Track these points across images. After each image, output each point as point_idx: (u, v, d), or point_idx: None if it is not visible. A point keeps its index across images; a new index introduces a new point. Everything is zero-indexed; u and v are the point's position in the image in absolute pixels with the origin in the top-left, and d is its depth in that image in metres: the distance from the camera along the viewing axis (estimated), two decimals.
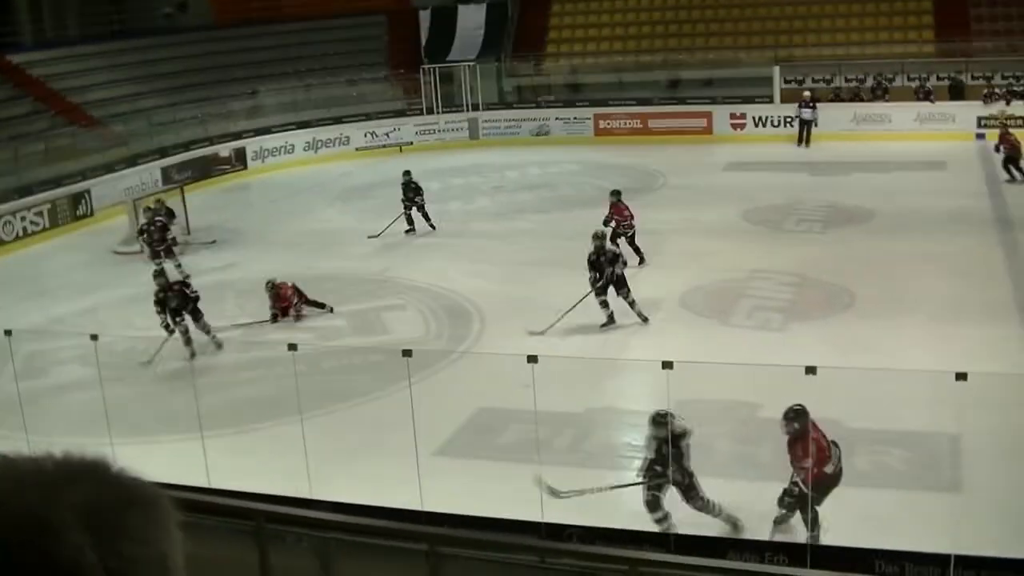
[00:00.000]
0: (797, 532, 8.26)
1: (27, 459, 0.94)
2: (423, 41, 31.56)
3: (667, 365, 7.25)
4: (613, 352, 12.73)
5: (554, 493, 8.32)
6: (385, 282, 16.49)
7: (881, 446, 9.89)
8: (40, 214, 21.12)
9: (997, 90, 25.37)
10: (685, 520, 8.30)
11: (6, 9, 29.10)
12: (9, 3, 29.38)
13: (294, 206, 22.47)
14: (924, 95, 26.01)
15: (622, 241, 15.70)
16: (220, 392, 12.09)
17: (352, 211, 21.90)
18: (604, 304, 13.42)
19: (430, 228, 19.18)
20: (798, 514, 8.23)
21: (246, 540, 5.56)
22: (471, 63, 29.83)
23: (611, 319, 13.48)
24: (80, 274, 18.07)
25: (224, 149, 26.40)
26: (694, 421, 8.47)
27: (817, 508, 8.08)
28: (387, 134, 28.58)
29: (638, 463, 8.63)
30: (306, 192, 23.91)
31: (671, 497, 8.36)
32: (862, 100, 26.78)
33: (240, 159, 26.60)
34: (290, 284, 14.76)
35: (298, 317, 14.65)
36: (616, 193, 16.51)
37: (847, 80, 27.40)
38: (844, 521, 8.15)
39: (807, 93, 26.16)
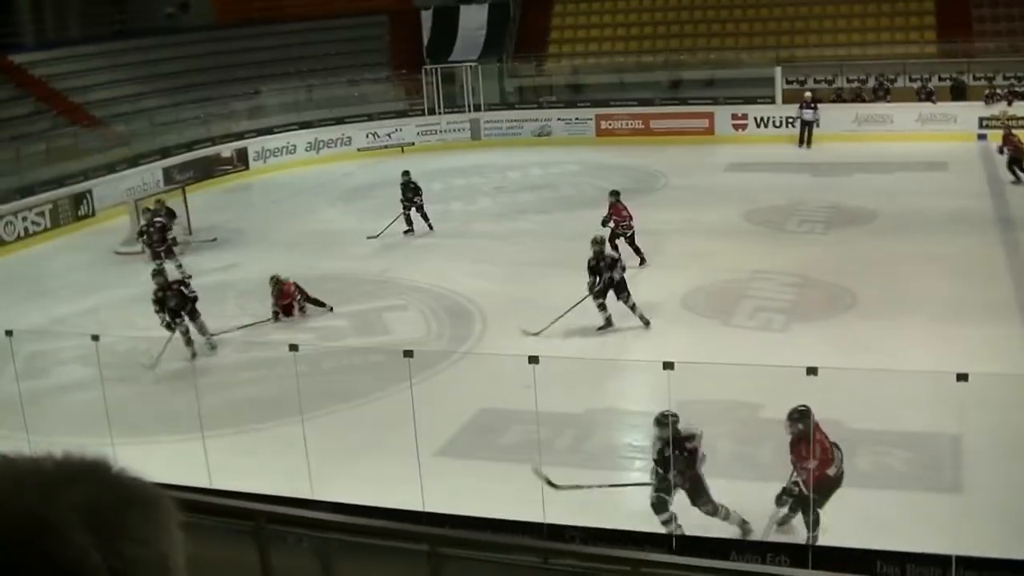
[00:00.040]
0: (798, 533, 8.26)
1: (27, 459, 0.94)
2: (425, 41, 31.55)
3: (668, 366, 7.25)
4: (614, 353, 12.73)
5: (550, 484, 8.32)
6: (386, 282, 16.48)
7: (882, 447, 9.88)
8: (42, 214, 21.12)
9: (999, 91, 25.36)
10: (692, 523, 8.26)
11: (8, 9, 29.11)
12: (11, 3, 29.39)
13: (296, 206, 22.48)
14: (926, 96, 26.00)
15: (621, 241, 15.70)
16: (221, 392, 12.09)
17: (354, 211, 21.90)
18: (602, 307, 13.41)
19: (428, 228, 19.19)
20: (799, 515, 8.23)
21: (247, 540, 5.55)
22: (473, 63, 29.82)
23: (608, 322, 13.47)
24: (81, 274, 18.07)
25: (226, 149, 26.41)
26: (695, 422, 8.46)
27: (819, 511, 8.07)
28: (389, 135, 28.57)
29: (639, 464, 8.62)
30: (308, 192, 23.92)
31: (680, 500, 8.30)
32: (864, 101, 26.75)
33: (242, 159, 26.61)
34: (293, 282, 14.82)
35: (301, 309, 14.73)
36: (615, 193, 16.48)
37: (849, 81, 27.39)
38: (845, 522, 8.14)
39: (808, 94, 26.16)
